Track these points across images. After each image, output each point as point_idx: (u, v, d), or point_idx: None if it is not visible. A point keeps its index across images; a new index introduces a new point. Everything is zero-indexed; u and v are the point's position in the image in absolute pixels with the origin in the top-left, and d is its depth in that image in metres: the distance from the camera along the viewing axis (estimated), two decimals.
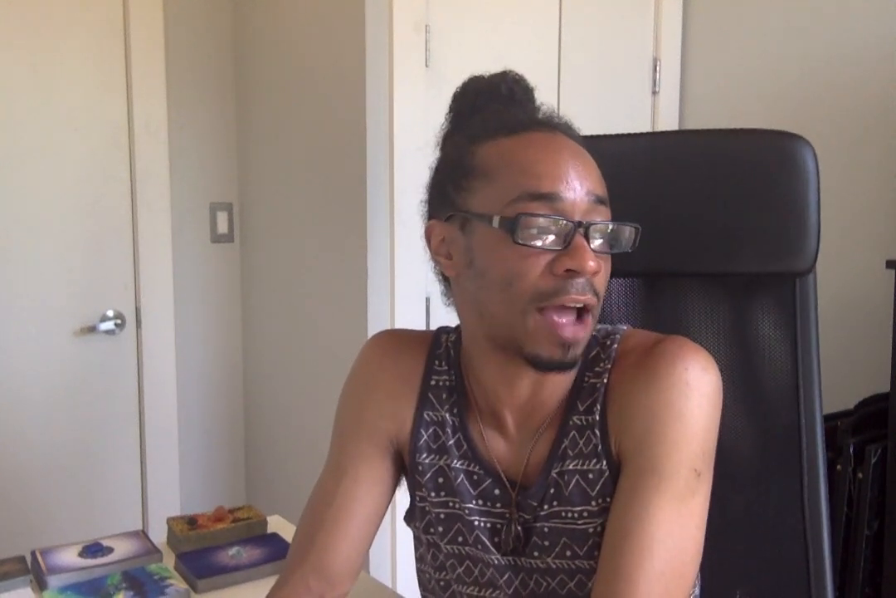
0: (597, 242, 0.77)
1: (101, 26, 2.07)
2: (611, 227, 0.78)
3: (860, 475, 1.53)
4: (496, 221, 0.76)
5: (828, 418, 1.44)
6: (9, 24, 1.95)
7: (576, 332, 0.75)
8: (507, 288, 0.76)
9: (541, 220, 0.74)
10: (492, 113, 0.83)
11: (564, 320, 0.75)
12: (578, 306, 0.75)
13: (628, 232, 0.79)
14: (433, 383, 0.89)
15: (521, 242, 0.74)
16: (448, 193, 0.82)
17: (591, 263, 0.73)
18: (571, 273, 0.74)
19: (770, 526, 1.00)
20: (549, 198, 0.75)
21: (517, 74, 0.87)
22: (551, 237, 0.75)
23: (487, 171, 0.78)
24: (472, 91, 0.87)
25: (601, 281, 0.77)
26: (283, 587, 0.89)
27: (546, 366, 0.77)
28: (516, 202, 0.75)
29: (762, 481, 1.00)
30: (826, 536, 0.97)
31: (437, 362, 0.90)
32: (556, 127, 0.81)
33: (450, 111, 0.89)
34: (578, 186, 0.75)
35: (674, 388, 0.76)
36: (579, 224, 0.74)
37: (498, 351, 0.80)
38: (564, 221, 0.74)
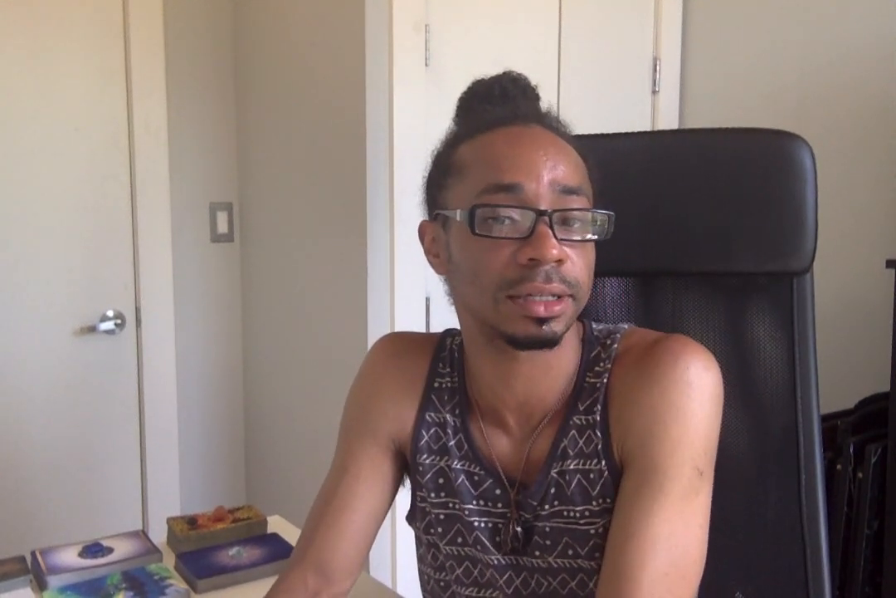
0: (568, 231, 0.75)
1: (101, 26, 2.07)
2: (580, 215, 0.76)
3: (860, 475, 1.53)
4: (458, 214, 0.77)
5: (828, 418, 1.44)
6: (9, 25, 1.95)
7: (549, 306, 0.74)
8: (475, 280, 0.76)
9: (501, 210, 0.74)
10: (478, 113, 0.84)
11: (536, 301, 0.74)
12: (546, 298, 0.74)
13: (602, 220, 0.77)
14: (436, 385, 0.90)
15: (479, 232, 0.74)
16: (433, 193, 0.83)
17: (554, 251, 0.72)
18: (535, 262, 0.73)
19: (768, 526, 1.00)
20: (511, 189, 0.74)
21: (515, 74, 0.87)
22: (514, 227, 0.74)
23: (461, 167, 0.79)
24: (471, 95, 0.88)
25: (573, 270, 0.75)
26: (281, 583, 0.90)
27: (523, 343, 0.76)
28: (481, 195, 0.75)
29: (760, 482, 1.00)
30: (824, 535, 0.98)
31: (440, 365, 0.90)
32: (535, 120, 0.80)
33: (455, 115, 0.90)
34: (543, 177, 0.75)
35: (675, 387, 0.76)
36: (542, 212, 0.74)
37: (490, 345, 0.80)
38: (526, 211, 0.74)
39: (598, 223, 0.77)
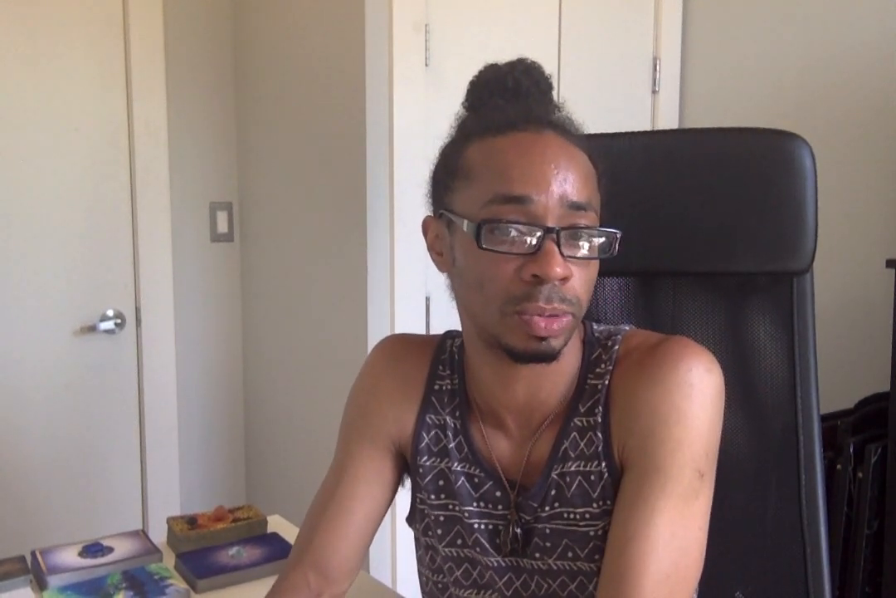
0: (573, 248, 0.74)
1: (101, 26, 2.07)
2: (587, 232, 0.75)
3: (860, 475, 1.53)
4: (465, 225, 0.76)
5: (828, 418, 1.44)
6: (9, 25, 1.95)
7: (549, 324, 0.74)
8: (481, 290, 0.76)
9: (508, 225, 0.73)
10: (489, 109, 0.82)
11: (536, 318, 0.74)
12: (546, 315, 0.73)
13: (608, 238, 0.76)
14: (436, 387, 0.89)
15: (485, 247, 0.74)
16: (439, 191, 0.82)
17: (558, 270, 0.72)
18: (538, 279, 0.72)
19: (768, 526, 1.00)
20: (520, 201, 0.73)
21: (528, 64, 0.85)
22: (521, 241, 0.73)
23: (469, 172, 0.78)
24: (483, 82, 0.86)
25: (576, 287, 0.75)
26: (283, 583, 0.90)
27: (521, 357, 0.76)
28: (489, 205, 0.74)
29: (760, 481, 1.00)
30: (824, 535, 0.97)
31: (440, 367, 0.90)
32: (548, 125, 0.78)
33: (465, 100, 0.87)
34: (553, 191, 0.73)
35: (677, 389, 0.76)
36: (549, 230, 0.73)
37: (490, 350, 0.80)
38: (532, 227, 0.73)
39: (605, 241, 0.76)
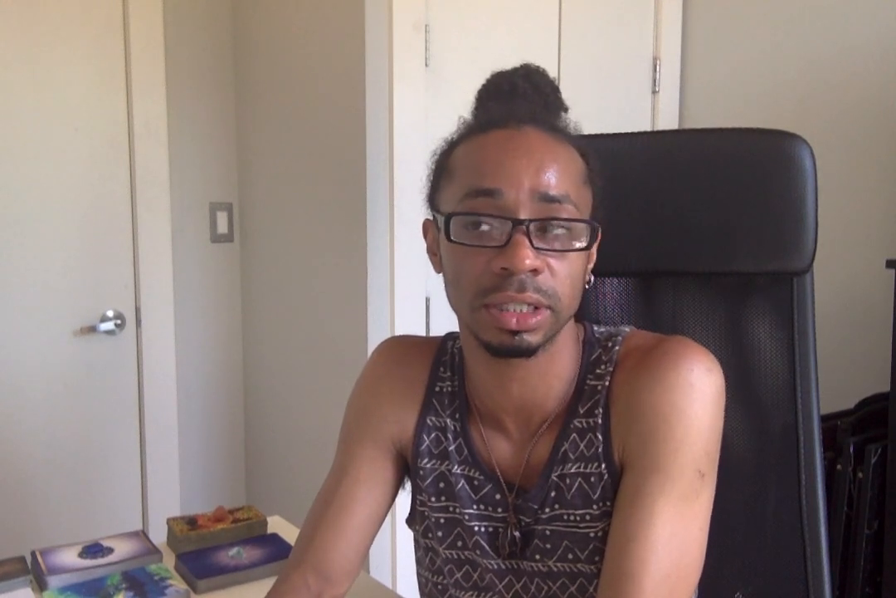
0: (547, 241, 0.74)
1: (101, 26, 2.07)
2: (564, 224, 0.74)
3: (860, 475, 1.53)
4: (439, 220, 0.77)
5: (828, 418, 1.44)
6: (9, 24, 1.95)
7: (523, 319, 0.73)
8: (457, 285, 0.77)
9: (477, 217, 0.74)
10: (481, 111, 0.83)
11: (510, 312, 0.73)
12: (520, 308, 0.73)
13: (586, 230, 0.75)
14: (437, 389, 0.89)
15: (455, 240, 0.74)
16: (432, 193, 0.83)
17: (527, 262, 0.71)
18: (507, 271, 0.72)
19: (768, 526, 1.00)
20: (491, 194, 0.73)
21: (531, 68, 0.85)
22: (494, 235, 0.73)
23: (452, 170, 0.79)
24: (486, 88, 0.87)
25: (552, 280, 0.74)
26: (283, 584, 0.90)
27: (498, 352, 0.76)
28: (464, 200, 0.75)
29: (760, 481, 1.00)
30: (824, 535, 0.98)
31: (441, 369, 0.90)
32: (530, 121, 0.78)
33: (473, 108, 0.88)
34: (524, 184, 0.73)
35: (678, 389, 0.76)
36: (519, 222, 0.72)
37: (480, 349, 0.79)
38: (502, 220, 0.73)
39: (582, 233, 0.75)
